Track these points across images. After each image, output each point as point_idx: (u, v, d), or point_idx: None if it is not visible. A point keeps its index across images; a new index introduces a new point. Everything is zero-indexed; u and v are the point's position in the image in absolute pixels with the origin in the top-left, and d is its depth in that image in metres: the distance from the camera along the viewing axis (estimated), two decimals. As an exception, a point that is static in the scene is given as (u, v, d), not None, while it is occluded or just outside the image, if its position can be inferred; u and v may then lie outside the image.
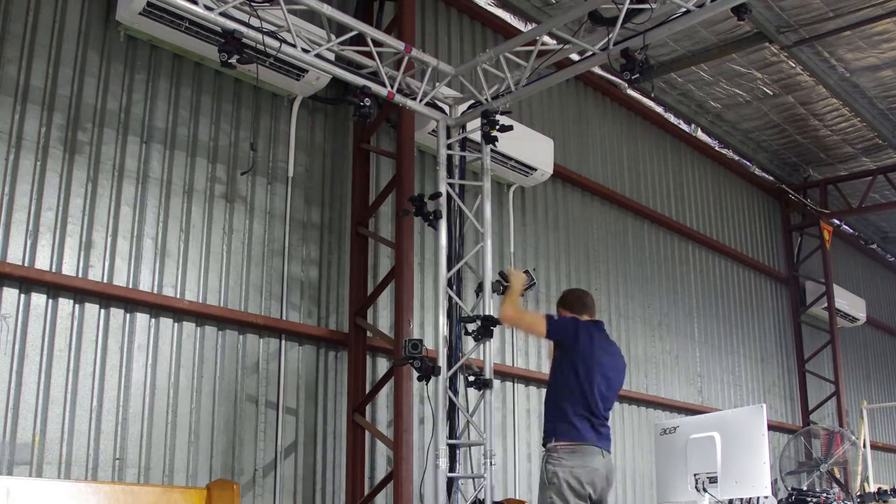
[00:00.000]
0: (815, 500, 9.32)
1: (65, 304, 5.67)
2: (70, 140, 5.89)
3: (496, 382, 7.49)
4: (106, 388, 5.76)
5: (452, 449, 6.74)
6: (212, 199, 6.61)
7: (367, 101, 6.33)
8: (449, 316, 6.85)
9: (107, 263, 5.91)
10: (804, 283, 14.37)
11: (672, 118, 11.81)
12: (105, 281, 5.86)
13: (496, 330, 6.81)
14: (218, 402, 6.32)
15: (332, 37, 6.33)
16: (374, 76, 6.59)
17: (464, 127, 7.21)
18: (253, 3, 5.76)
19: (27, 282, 5.50)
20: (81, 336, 5.71)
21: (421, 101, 6.85)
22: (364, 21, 6.91)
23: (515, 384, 8.63)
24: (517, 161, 8.51)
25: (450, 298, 6.86)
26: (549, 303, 9.22)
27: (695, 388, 11.39)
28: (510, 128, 6.99)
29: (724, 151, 12.85)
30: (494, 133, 6.79)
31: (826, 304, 14.06)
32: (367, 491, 6.87)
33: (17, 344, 5.41)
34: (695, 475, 6.08)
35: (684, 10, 5.91)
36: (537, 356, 8.96)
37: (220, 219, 6.64)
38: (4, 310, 5.39)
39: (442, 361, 6.53)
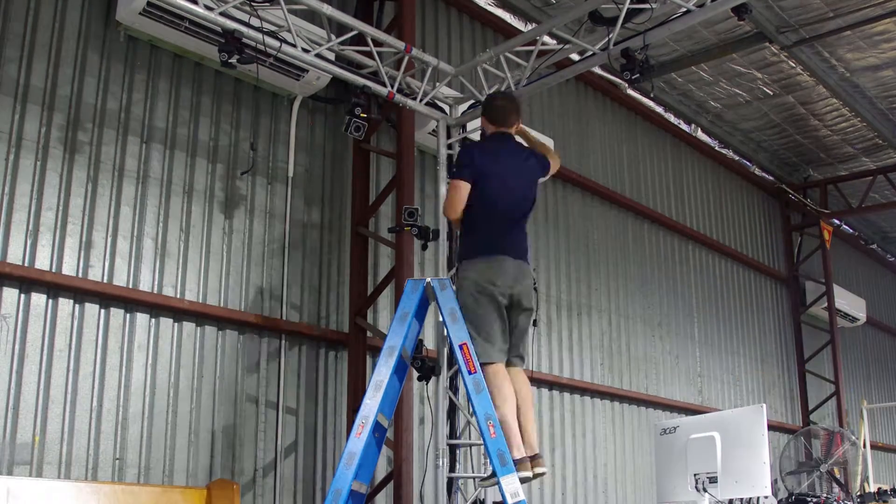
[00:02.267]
0: (814, 500, 9.33)
1: (65, 304, 5.67)
2: (70, 140, 5.88)
3: (496, 382, 7.48)
4: (106, 388, 5.76)
5: (452, 449, 6.74)
6: (212, 199, 6.61)
7: (362, 122, 6.31)
8: (449, 316, 6.84)
9: (107, 263, 5.91)
10: (804, 283, 14.37)
11: (672, 118, 11.81)
12: (105, 281, 5.86)
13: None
14: (218, 402, 6.32)
15: (332, 37, 6.34)
16: (375, 76, 6.60)
17: (464, 127, 7.22)
18: (253, 3, 5.76)
19: (27, 282, 5.50)
20: (81, 336, 5.71)
21: (421, 100, 6.86)
22: (364, 21, 6.91)
23: (515, 384, 8.62)
24: (517, 161, 8.48)
25: (450, 298, 6.86)
26: (549, 303, 9.23)
27: (695, 388, 11.39)
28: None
29: (724, 151, 12.85)
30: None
31: (826, 304, 14.06)
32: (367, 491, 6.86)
33: (17, 344, 5.41)
34: (695, 475, 6.08)
35: (684, 10, 5.91)
36: (538, 356, 8.96)
37: (220, 219, 6.64)
38: (4, 310, 5.39)
39: (442, 361, 6.52)
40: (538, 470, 4.74)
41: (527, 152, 5.30)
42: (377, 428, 4.84)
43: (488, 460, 6.42)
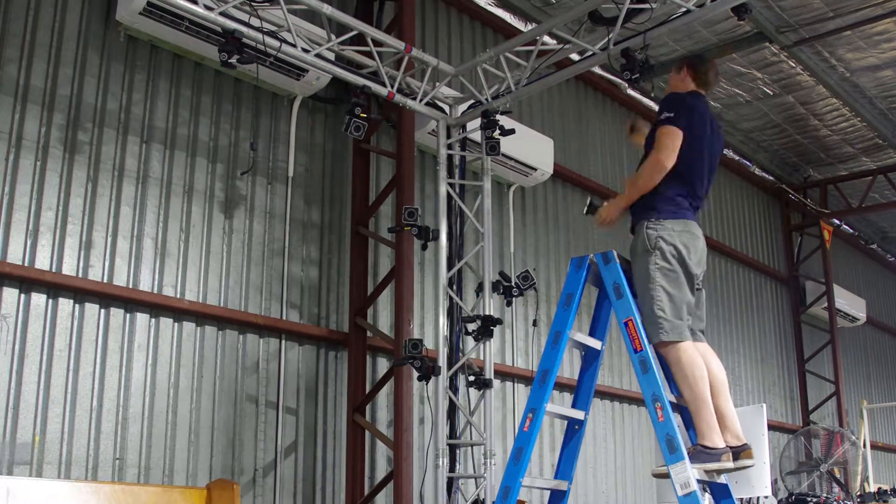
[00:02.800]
0: (814, 500, 9.33)
1: (65, 304, 5.67)
2: (70, 140, 5.88)
3: (496, 382, 7.49)
4: (106, 388, 5.76)
5: (452, 449, 6.74)
6: (212, 199, 6.61)
7: (362, 122, 6.28)
8: (449, 316, 6.86)
9: (107, 263, 5.91)
10: (804, 283, 14.37)
11: (672, 118, 11.78)
12: (105, 281, 5.86)
13: (496, 330, 6.81)
14: (218, 402, 6.32)
15: (332, 36, 6.33)
16: (374, 76, 6.59)
17: (464, 127, 7.22)
18: (253, 3, 5.76)
19: (27, 282, 5.50)
20: (81, 336, 5.71)
21: (421, 100, 6.86)
22: (364, 21, 6.91)
23: (515, 384, 8.63)
24: (517, 161, 8.51)
25: (450, 298, 6.87)
26: (549, 303, 9.23)
27: (695, 388, 11.37)
28: (512, 131, 6.99)
29: (723, 151, 12.83)
30: (496, 136, 6.79)
31: (826, 304, 14.06)
32: (367, 491, 6.87)
33: (17, 344, 5.41)
34: (695, 475, 6.07)
35: (684, 9, 5.91)
36: (538, 356, 8.95)
37: (220, 219, 6.64)
38: (4, 310, 5.39)
39: (442, 361, 6.53)
40: (746, 462, 4.23)
41: (717, 124, 4.83)
42: (574, 422, 4.54)
43: (487, 460, 6.45)
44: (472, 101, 7.09)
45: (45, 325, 5.55)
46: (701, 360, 4.29)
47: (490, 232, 6.94)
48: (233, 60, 5.63)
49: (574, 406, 4.58)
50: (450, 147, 7.09)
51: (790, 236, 14.43)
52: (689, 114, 4.50)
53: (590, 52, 6.38)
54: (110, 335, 5.85)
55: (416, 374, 6.45)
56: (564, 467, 4.59)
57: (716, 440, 4.13)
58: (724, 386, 4.40)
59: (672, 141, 4.39)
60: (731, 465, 4.15)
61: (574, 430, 4.63)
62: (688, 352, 4.26)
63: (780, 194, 14.24)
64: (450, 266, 6.91)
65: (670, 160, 4.38)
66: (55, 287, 5.62)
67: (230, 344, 6.51)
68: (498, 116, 6.86)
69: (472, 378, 6.72)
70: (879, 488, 11.56)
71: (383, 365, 7.36)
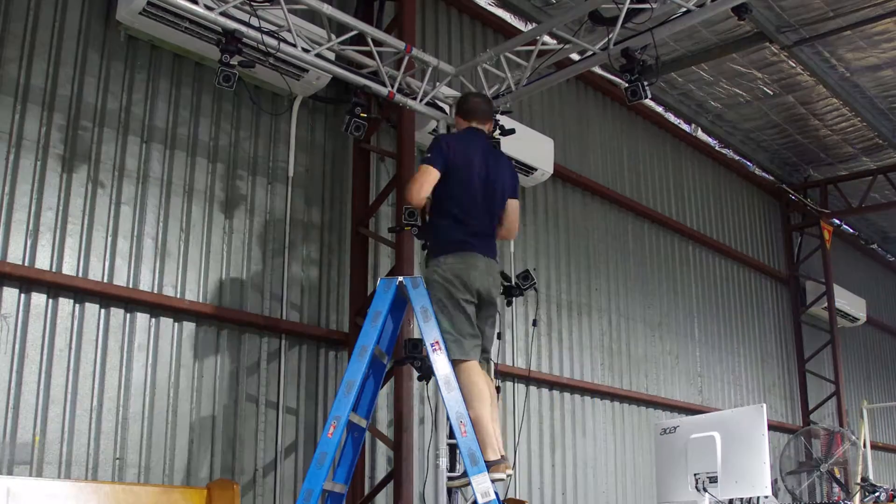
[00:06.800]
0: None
1: (65, 304, 5.67)
2: (70, 140, 5.88)
3: (496, 382, 7.49)
4: (106, 388, 5.76)
5: (452, 449, 6.74)
6: (212, 199, 6.61)
7: (362, 122, 6.29)
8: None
9: (107, 263, 5.91)
10: (804, 283, 14.38)
11: (672, 118, 11.81)
12: (105, 281, 5.86)
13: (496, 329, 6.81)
14: (218, 402, 6.32)
15: (333, 36, 6.34)
16: (375, 76, 6.60)
17: (464, 127, 7.21)
18: (253, 3, 5.77)
19: (27, 282, 5.50)
20: (81, 336, 5.71)
21: (421, 100, 6.86)
22: (364, 21, 6.91)
23: (515, 384, 8.63)
24: (517, 161, 8.49)
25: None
26: (549, 303, 9.24)
27: (695, 388, 11.39)
28: (512, 131, 7.00)
29: (724, 151, 12.85)
30: (497, 136, 6.79)
31: (826, 304, 14.06)
32: (367, 491, 6.87)
33: (17, 344, 5.41)
34: (695, 475, 6.07)
35: (684, 9, 5.91)
36: (538, 356, 8.96)
37: (220, 219, 6.64)
38: (4, 310, 5.39)
39: (442, 361, 6.52)
40: (508, 472, 4.69)
41: (502, 154, 5.23)
42: (354, 428, 4.86)
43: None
44: (472, 101, 7.08)
45: (45, 325, 5.55)
46: (481, 381, 4.70)
47: (490, 232, 6.93)
48: (234, 62, 5.63)
49: (356, 411, 4.81)
50: (450, 147, 7.08)
51: (790, 236, 14.43)
52: (444, 152, 4.87)
53: (590, 52, 6.39)
54: (110, 335, 5.85)
55: (416, 374, 6.45)
56: (341, 470, 4.91)
57: (489, 454, 4.48)
58: (494, 406, 4.85)
59: (420, 176, 4.84)
60: (503, 475, 4.55)
61: (355, 437, 4.95)
62: (469, 371, 4.68)
63: (780, 194, 14.24)
64: (450, 266, 6.89)
65: (417, 197, 4.84)
66: (55, 287, 5.62)
67: (230, 344, 6.51)
68: (498, 116, 6.87)
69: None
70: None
71: (383, 365, 7.36)
